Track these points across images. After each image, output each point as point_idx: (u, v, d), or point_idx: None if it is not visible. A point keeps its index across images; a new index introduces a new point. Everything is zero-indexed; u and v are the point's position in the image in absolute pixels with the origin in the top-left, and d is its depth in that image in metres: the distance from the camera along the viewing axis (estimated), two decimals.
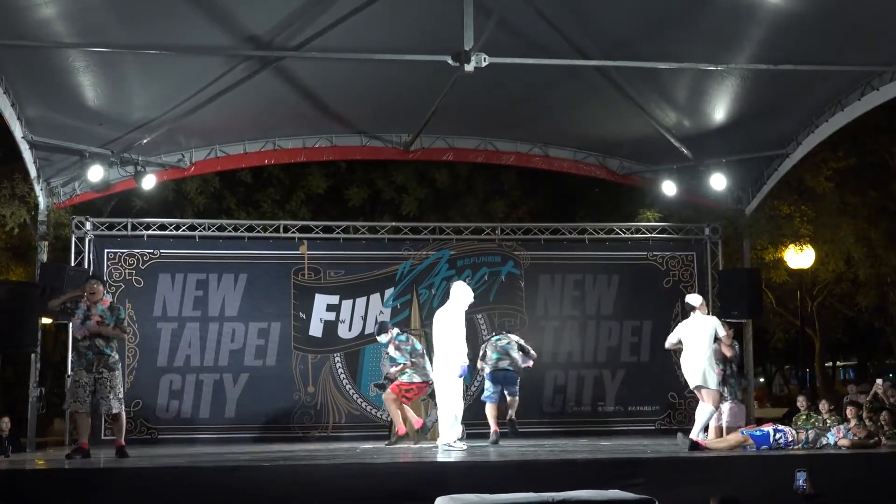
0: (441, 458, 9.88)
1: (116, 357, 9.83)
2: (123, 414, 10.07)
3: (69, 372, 12.69)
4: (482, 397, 12.06)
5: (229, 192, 18.32)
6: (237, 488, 8.22)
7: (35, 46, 10.24)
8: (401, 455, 10.27)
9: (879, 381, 13.21)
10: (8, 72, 10.80)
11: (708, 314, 10.79)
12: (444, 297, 13.20)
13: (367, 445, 11.44)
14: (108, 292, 10.26)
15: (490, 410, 11.78)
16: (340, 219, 15.67)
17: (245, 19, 10.50)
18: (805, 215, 17.84)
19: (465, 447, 10.51)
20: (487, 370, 11.96)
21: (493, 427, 11.64)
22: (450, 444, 10.55)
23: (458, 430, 10.77)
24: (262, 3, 10.35)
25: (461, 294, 10.94)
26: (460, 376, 10.69)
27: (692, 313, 10.54)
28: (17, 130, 11.63)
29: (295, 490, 8.25)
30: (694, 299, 10.66)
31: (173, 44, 10.62)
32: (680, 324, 10.85)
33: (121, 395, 9.92)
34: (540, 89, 12.35)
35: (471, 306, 11.10)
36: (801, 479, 8.22)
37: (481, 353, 12.11)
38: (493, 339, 12.15)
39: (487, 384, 11.94)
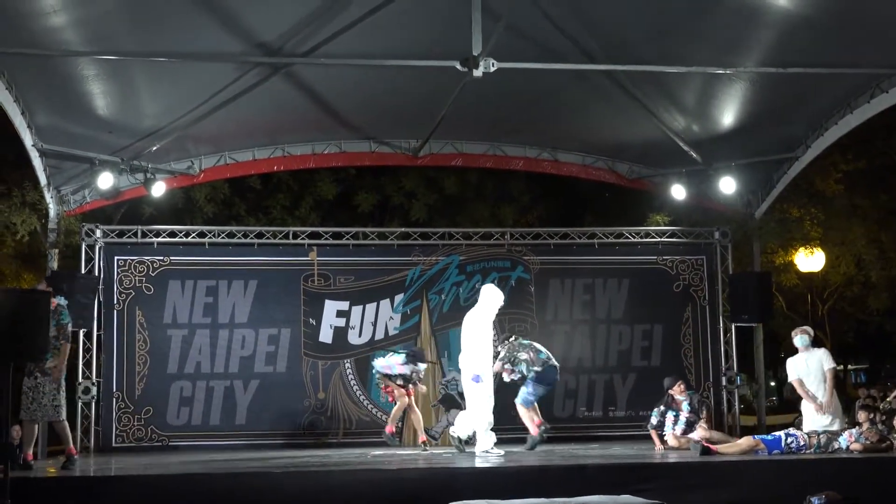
0: (453, 463, 9.86)
1: (54, 364, 9.39)
2: (64, 423, 9.64)
3: (79, 380, 12.75)
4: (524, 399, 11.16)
5: (239, 199, 18.37)
6: (248, 495, 8.25)
7: (45, 55, 10.26)
8: (413, 461, 10.26)
9: None
10: (18, 80, 10.82)
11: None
12: (454, 302, 13.44)
13: (379, 452, 11.43)
14: (61, 296, 9.95)
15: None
16: (350, 225, 15.66)
17: (254, 26, 10.52)
18: (815, 218, 17.75)
19: (502, 452, 10.47)
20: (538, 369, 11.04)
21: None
22: (487, 450, 10.50)
23: (493, 435, 10.69)
24: (271, 9, 10.35)
25: (490, 297, 10.91)
26: (475, 380, 10.65)
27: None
28: (28, 138, 11.65)
29: (307, 496, 8.27)
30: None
31: (183, 51, 10.64)
32: None
33: (56, 403, 9.47)
34: (549, 94, 12.34)
35: None
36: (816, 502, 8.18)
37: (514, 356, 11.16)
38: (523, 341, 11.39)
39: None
